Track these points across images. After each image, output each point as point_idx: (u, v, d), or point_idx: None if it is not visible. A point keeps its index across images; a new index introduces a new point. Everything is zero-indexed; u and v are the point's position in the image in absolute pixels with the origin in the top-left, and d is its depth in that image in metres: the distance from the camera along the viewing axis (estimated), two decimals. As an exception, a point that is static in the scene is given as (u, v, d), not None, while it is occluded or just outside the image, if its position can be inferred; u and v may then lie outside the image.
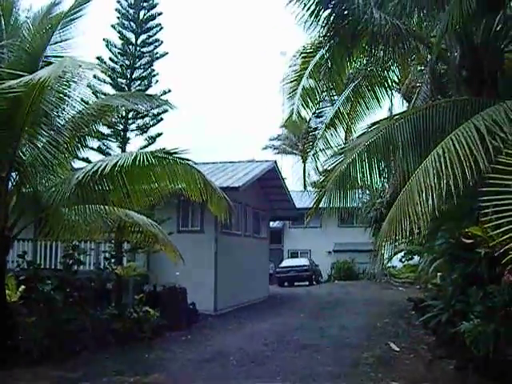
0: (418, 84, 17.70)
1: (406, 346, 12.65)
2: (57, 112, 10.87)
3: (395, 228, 6.61)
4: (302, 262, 38.27)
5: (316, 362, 11.50)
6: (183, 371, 10.97)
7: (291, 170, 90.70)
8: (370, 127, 10.08)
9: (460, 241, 10.22)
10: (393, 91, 16.33)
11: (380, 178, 9.49)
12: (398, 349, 12.46)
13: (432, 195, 6.18)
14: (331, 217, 10.61)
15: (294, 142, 59.75)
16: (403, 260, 35.85)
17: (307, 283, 36.05)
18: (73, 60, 9.70)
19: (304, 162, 60.23)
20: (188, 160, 10.58)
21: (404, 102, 21.05)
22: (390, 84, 14.89)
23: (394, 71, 14.65)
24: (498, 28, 10.99)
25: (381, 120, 10.40)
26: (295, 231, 44.72)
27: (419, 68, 15.90)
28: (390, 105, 20.83)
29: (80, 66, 9.47)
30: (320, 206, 11.18)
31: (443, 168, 6.35)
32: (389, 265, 42.64)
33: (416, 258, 30.39)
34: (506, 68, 11.65)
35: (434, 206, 6.11)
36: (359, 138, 10.07)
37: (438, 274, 14.07)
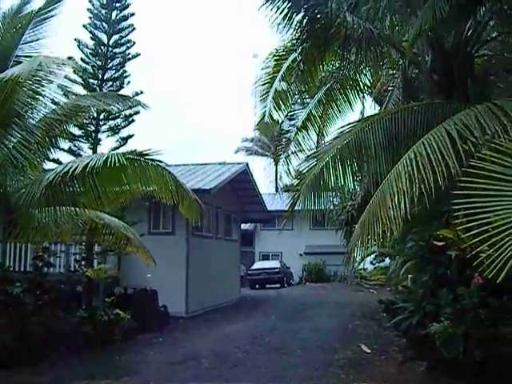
0: (389, 88, 17.91)
1: (377, 348, 12.73)
2: (29, 111, 10.69)
3: (367, 232, 6.63)
4: (273, 264, 38.36)
5: (288, 364, 11.52)
6: (155, 374, 10.87)
7: (263, 173, 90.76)
8: (342, 130, 10.11)
9: (430, 243, 10.37)
10: (365, 94, 16.47)
11: (353, 180, 9.54)
12: (369, 350, 12.54)
13: (404, 199, 6.21)
14: (304, 219, 10.65)
15: (267, 145, 59.91)
16: (374, 262, 36.18)
17: (278, 285, 36.09)
18: (46, 57, 9.55)
19: (276, 164, 60.38)
20: (160, 162, 10.49)
21: (376, 105, 21.29)
22: (362, 87, 15.00)
23: (366, 75, 14.73)
24: (469, 33, 11.20)
25: (353, 122, 10.43)
26: (267, 233, 44.76)
27: (391, 72, 16.09)
28: (361, 108, 21.02)
29: (54, 62, 9.32)
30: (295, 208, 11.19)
31: (415, 172, 6.39)
32: (360, 267, 43.02)
33: (387, 260, 30.69)
34: (476, 73, 11.83)
35: (406, 209, 6.14)
36: (333, 140, 10.10)
37: (409, 276, 14.20)
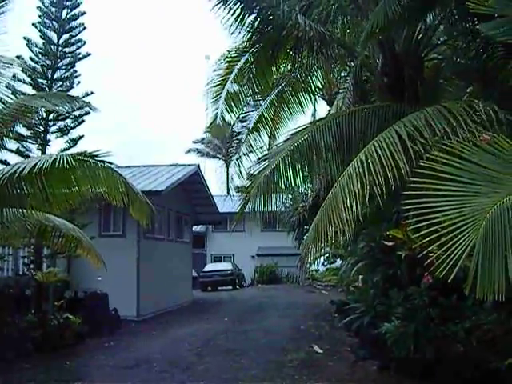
0: (341, 90, 18.09)
1: (329, 348, 12.81)
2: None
3: (320, 234, 6.64)
4: (225, 266, 38.31)
5: (240, 365, 11.47)
6: (106, 378, 10.69)
7: (214, 174, 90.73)
8: (294, 132, 10.14)
9: (381, 244, 10.51)
10: (316, 97, 16.57)
11: (304, 182, 9.58)
12: (321, 351, 12.61)
13: (356, 201, 6.24)
14: (255, 221, 10.59)
15: (218, 146, 59.86)
16: (326, 264, 36.50)
17: (231, 287, 36.08)
18: (-8, 56, 9.29)
19: (227, 166, 60.57)
20: (110, 163, 10.29)
21: (328, 107, 21.51)
22: (314, 90, 15.05)
23: (317, 77, 14.81)
24: (419, 37, 11.38)
25: (305, 125, 10.48)
26: (218, 235, 44.72)
27: (342, 74, 16.24)
28: (313, 110, 21.22)
29: (1, 61, 9.08)
30: (245, 210, 11.17)
31: (366, 174, 6.42)
32: (312, 268, 43.36)
33: (339, 261, 31.00)
34: (426, 76, 12.03)
35: (358, 211, 6.18)
36: (284, 142, 10.12)
37: (360, 276, 14.37)
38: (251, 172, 11.65)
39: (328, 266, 37.54)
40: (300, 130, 9.77)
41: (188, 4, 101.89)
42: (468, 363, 8.25)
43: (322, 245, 6.55)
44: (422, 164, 4.90)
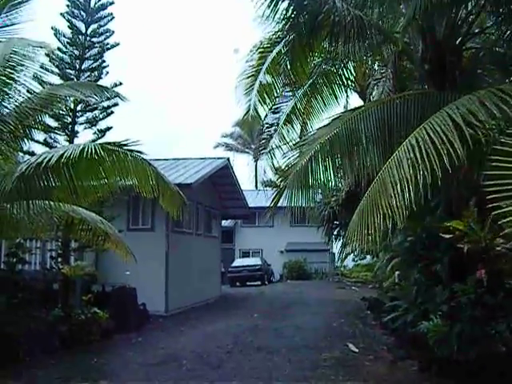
0: (373, 81, 17.61)
1: (364, 347, 12.32)
2: (1, 99, 10.07)
3: (366, 221, 6.21)
4: (254, 261, 37.99)
5: (273, 364, 11.04)
6: (134, 376, 10.32)
7: (243, 170, 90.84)
8: (330, 120, 9.69)
9: (422, 237, 10.02)
10: (349, 89, 16.11)
11: (342, 172, 9.05)
12: (356, 350, 12.12)
13: (408, 186, 5.80)
14: (290, 214, 10.10)
15: (247, 141, 59.58)
16: (356, 259, 36.01)
17: (259, 283, 35.73)
18: (21, 39, 8.98)
19: (256, 160, 60.11)
20: (140, 152, 9.93)
21: (360, 99, 21.01)
22: (346, 82, 14.60)
23: (349, 69, 14.35)
24: (460, 23, 10.92)
25: (343, 112, 10.04)
26: (247, 230, 44.45)
27: (377, 64, 15.78)
28: (345, 102, 20.71)
29: (29, 45, 8.76)
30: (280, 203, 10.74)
31: (419, 158, 5.99)
32: (340, 264, 42.89)
33: (368, 257, 30.45)
34: (464, 65, 11.55)
35: (411, 198, 5.72)
36: (320, 130, 9.66)
37: (396, 272, 13.86)
38: (285, 164, 11.19)
39: (358, 261, 37.11)
40: (338, 117, 9.31)
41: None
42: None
43: (368, 231, 6.08)
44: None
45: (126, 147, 9.95)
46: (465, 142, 5.84)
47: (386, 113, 8.71)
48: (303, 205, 9.59)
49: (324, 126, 9.76)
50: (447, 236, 5.59)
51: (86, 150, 9.38)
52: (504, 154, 4.35)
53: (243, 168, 70.25)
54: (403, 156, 6.23)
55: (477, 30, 12.11)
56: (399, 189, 5.88)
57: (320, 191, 21.52)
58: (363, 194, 6.99)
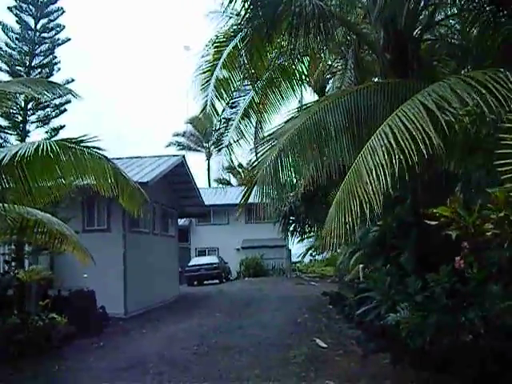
0: (331, 74, 17.61)
1: (332, 342, 12.20)
2: None
3: (344, 211, 6.05)
4: (211, 259, 37.64)
5: (241, 364, 10.80)
6: (97, 383, 9.93)
7: (195, 168, 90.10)
8: (295, 112, 9.50)
9: (393, 228, 9.95)
10: (303, 83, 16.00)
11: (314, 165, 8.82)
12: (325, 345, 11.99)
13: (384, 172, 5.67)
14: (265, 210, 9.83)
15: (199, 139, 59.19)
16: (313, 255, 36.12)
17: (217, 281, 35.44)
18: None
19: (209, 158, 59.73)
20: (98, 149, 9.49)
21: (314, 94, 20.98)
22: (300, 76, 14.45)
23: (304, 64, 14.19)
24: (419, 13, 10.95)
25: (309, 104, 9.87)
26: (202, 229, 44.11)
27: (333, 58, 15.75)
28: (300, 97, 20.62)
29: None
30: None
31: (394, 144, 5.86)
32: (296, 260, 43.02)
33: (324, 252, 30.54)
34: (421, 56, 11.57)
35: (388, 184, 5.60)
36: (286, 123, 9.43)
37: (360, 265, 13.78)
38: (251, 157, 11.00)
39: (315, 256, 37.25)
40: (304, 109, 9.12)
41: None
42: (480, 354, 7.71)
43: (346, 220, 5.93)
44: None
45: (83, 143, 9.51)
46: (439, 128, 5.73)
47: (353, 103, 8.54)
48: (274, 201, 9.38)
49: (290, 119, 9.54)
50: (432, 222, 5.46)
51: (41, 147, 8.88)
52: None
53: (196, 166, 69.58)
54: (377, 144, 6.10)
55: (437, 20, 12.15)
56: (374, 175, 5.76)
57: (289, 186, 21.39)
58: (335, 186, 6.84)
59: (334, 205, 6.34)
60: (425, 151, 5.48)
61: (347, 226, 5.94)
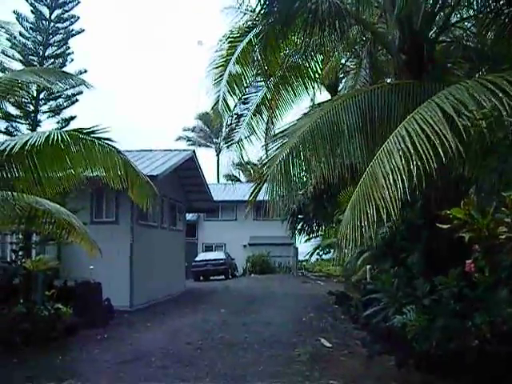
0: (342, 75, 17.50)
1: (337, 342, 12.15)
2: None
3: (359, 214, 5.98)
4: (218, 255, 37.66)
5: (245, 360, 10.75)
6: (102, 375, 9.89)
7: (205, 163, 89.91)
8: (309, 110, 9.46)
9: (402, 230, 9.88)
10: (316, 82, 15.93)
11: (326, 164, 8.76)
12: (330, 345, 11.94)
13: (401, 177, 5.59)
14: (275, 207, 9.74)
15: (209, 135, 59.21)
16: (320, 254, 36.00)
17: (223, 277, 35.47)
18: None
19: (219, 154, 59.71)
20: (108, 140, 9.45)
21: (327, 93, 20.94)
22: (314, 75, 14.38)
23: (318, 62, 14.11)
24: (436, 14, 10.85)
25: (323, 102, 9.82)
26: (210, 224, 44.10)
27: (347, 56, 15.69)
28: (312, 96, 20.57)
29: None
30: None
31: (411, 148, 5.78)
32: (303, 258, 42.93)
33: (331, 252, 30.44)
34: (436, 58, 11.48)
35: (405, 189, 5.52)
36: (299, 121, 9.39)
37: (368, 266, 13.72)
38: (263, 154, 10.94)
39: (322, 256, 37.12)
40: (317, 107, 9.07)
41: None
42: (486, 358, 7.65)
43: (362, 224, 5.87)
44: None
45: (93, 135, 9.47)
46: (456, 132, 5.66)
47: (367, 103, 8.48)
48: (284, 199, 9.34)
49: (303, 116, 9.50)
50: (445, 226, 5.38)
51: (52, 137, 8.86)
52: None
53: (205, 162, 69.59)
54: (393, 147, 6.01)
55: (453, 22, 12.05)
56: (391, 179, 5.68)
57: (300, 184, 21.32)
58: (346, 185, 6.78)
59: (348, 208, 6.28)
60: (443, 155, 5.41)
61: (363, 229, 5.88)
